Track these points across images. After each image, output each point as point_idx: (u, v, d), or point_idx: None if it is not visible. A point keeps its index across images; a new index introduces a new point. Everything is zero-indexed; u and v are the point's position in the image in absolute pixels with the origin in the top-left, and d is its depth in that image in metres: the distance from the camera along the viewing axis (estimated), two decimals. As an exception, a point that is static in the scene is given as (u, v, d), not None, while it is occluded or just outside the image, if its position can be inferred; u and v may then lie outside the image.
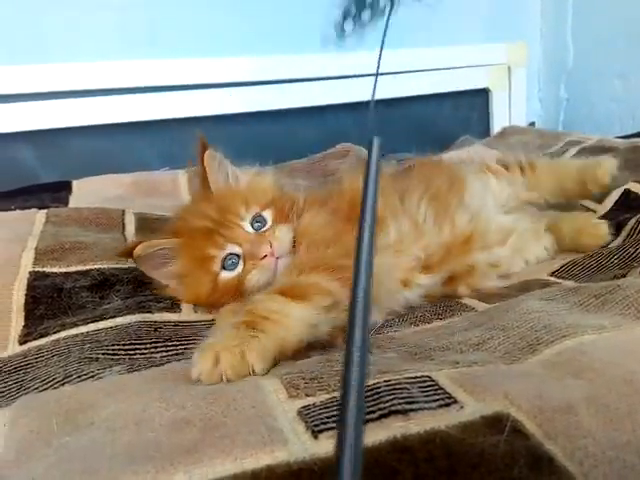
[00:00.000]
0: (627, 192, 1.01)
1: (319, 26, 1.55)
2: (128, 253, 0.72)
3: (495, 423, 0.41)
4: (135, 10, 1.37)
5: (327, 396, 0.46)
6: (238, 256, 0.71)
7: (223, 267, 0.71)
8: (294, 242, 0.73)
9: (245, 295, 0.69)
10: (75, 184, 1.11)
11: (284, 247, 0.71)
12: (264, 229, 0.74)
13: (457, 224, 0.83)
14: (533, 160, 1.04)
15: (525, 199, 0.99)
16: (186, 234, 0.73)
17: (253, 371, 0.51)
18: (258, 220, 0.74)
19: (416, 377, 0.48)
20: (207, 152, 0.77)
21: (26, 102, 1.27)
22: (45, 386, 0.53)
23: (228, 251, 0.71)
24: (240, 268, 0.71)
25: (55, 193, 1.05)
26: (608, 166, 1.00)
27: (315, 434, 0.40)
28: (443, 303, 0.79)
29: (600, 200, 1.03)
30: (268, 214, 0.76)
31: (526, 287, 0.81)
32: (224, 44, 1.45)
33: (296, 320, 0.56)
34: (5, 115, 1.26)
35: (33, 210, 0.92)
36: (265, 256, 0.69)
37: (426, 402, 0.43)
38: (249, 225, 0.74)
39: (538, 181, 1.00)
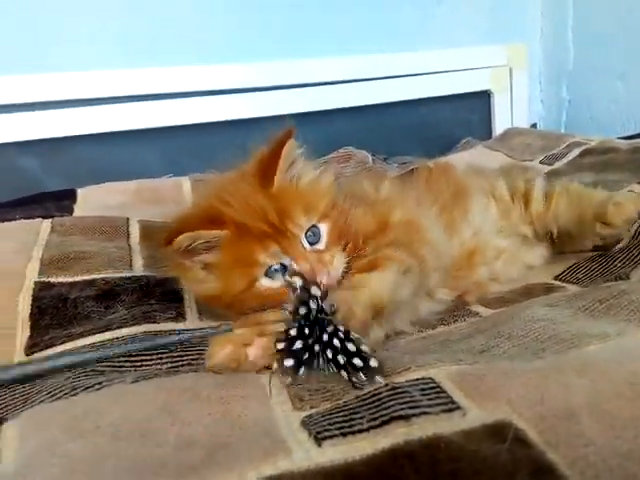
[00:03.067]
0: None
1: (322, 31, 1.57)
2: (169, 240, 0.64)
3: (497, 431, 0.41)
4: (135, 18, 1.38)
5: (330, 405, 0.47)
6: (286, 267, 0.66)
7: (265, 274, 0.66)
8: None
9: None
10: (79, 192, 1.11)
11: (337, 277, 0.65)
12: (319, 246, 0.68)
13: (463, 239, 0.84)
14: (551, 190, 0.94)
15: (523, 233, 0.94)
16: (235, 228, 0.65)
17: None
18: (313, 232, 0.68)
19: (418, 379, 0.48)
20: (290, 141, 0.70)
21: (29, 112, 1.28)
22: (52, 399, 0.53)
23: (280, 262, 0.66)
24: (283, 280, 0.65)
25: (59, 202, 1.06)
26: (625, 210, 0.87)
27: (319, 442, 0.41)
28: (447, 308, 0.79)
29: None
30: (324, 227, 0.69)
31: (530, 291, 0.82)
32: (224, 51, 1.46)
33: (378, 282, 0.60)
34: (8, 125, 1.26)
35: (38, 220, 0.93)
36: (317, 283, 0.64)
37: (429, 406, 0.44)
38: (304, 237, 0.67)
39: (554, 214, 0.91)
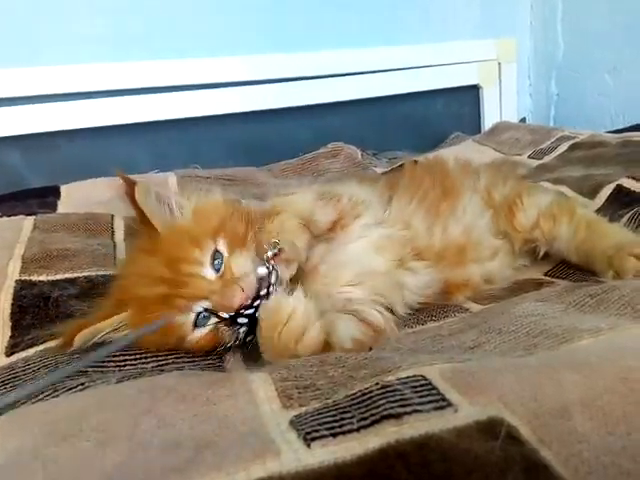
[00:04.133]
0: (619, 188, 1.00)
1: (311, 25, 1.56)
2: (68, 343, 0.58)
3: (489, 428, 0.40)
4: (124, 11, 1.36)
5: (319, 404, 0.46)
6: (206, 309, 0.61)
7: (195, 325, 0.61)
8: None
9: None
10: (63, 189, 1.09)
11: (252, 281, 0.60)
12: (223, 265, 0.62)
13: (449, 232, 0.82)
14: (549, 209, 0.85)
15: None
16: (136, 305, 0.60)
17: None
18: (217, 257, 0.62)
19: (408, 377, 0.47)
20: (137, 187, 0.63)
21: (12, 106, 1.26)
22: (33, 400, 0.52)
23: (197, 311, 0.60)
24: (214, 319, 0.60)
25: (43, 198, 1.04)
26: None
27: (308, 443, 0.40)
28: (437, 304, 0.78)
29: (592, 196, 1.03)
30: (222, 245, 0.63)
31: (520, 287, 0.81)
32: (213, 44, 1.44)
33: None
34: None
35: (20, 217, 0.91)
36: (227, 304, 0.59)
37: (420, 404, 0.43)
38: (210, 269, 0.61)
39: (549, 235, 0.84)
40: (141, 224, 0.65)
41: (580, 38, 1.75)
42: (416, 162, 1.02)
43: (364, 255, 0.72)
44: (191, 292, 0.59)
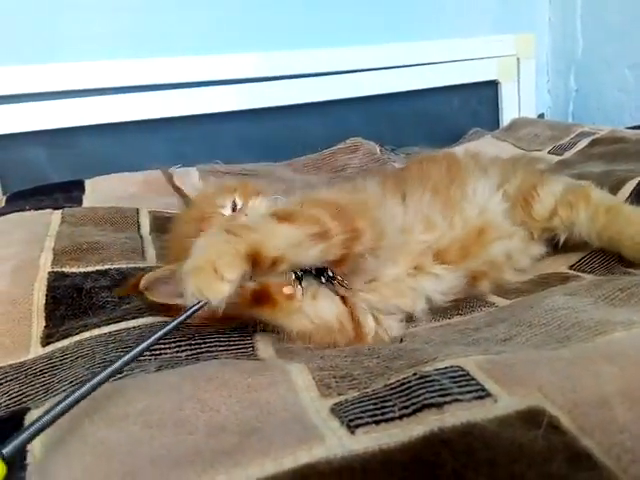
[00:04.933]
0: (642, 183, 1.00)
1: (329, 21, 1.56)
2: (134, 288, 0.64)
3: (530, 418, 0.41)
4: (144, 8, 1.37)
5: (358, 394, 0.46)
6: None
7: None
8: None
9: None
10: (88, 183, 1.10)
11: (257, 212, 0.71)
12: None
13: (466, 217, 0.82)
14: (565, 196, 0.86)
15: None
16: (178, 245, 0.71)
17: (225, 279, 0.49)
18: (234, 209, 0.74)
19: (446, 368, 0.48)
20: (174, 178, 0.85)
21: (36, 102, 1.27)
22: (73, 388, 0.53)
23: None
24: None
25: (68, 193, 1.04)
26: None
27: (352, 429, 0.40)
28: (463, 298, 0.78)
29: (614, 191, 1.02)
30: (237, 198, 0.74)
31: (546, 281, 0.81)
32: (232, 40, 1.45)
33: (277, 233, 0.56)
34: (15, 115, 1.26)
35: (48, 210, 0.92)
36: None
37: (460, 393, 0.43)
38: (230, 210, 0.74)
39: (569, 222, 0.85)
40: (184, 205, 0.81)
41: (599, 34, 1.73)
42: (422, 158, 1.02)
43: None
44: (210, 225, 0.69)
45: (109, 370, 0.44)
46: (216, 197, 0.75)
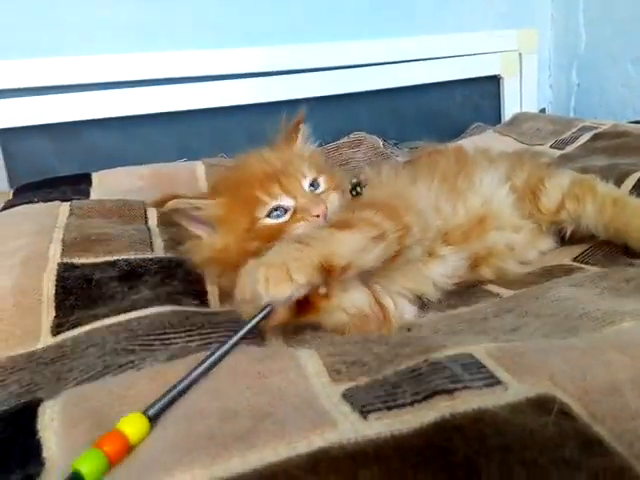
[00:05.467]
0: (644, 177, 1.00)
1: (331, 15, 1.56)
2: (162, 204, 0.71)
3: (541, 404, 0.41)
4: (149, 2, 1.37)
5: (368, 379, 0.47)
6: (286, 210, 0.70)
7: (267, 216, 0.70)
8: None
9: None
10: (95, 176, 1.10)
11: (334, 212, 0.71)
12: (318, 191, 0.74)
13: (469, 206, 0.83)
14: (571, 189, 0.88)
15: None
16: (230, 191, 0.73)
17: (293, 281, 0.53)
18: (314, 185, 0.74)
19: (456, 355, 0.48)
20: (302, 125, 0.85)
21: (44, 95, 1.27)
22: (85, 376, 0.53)
23: (280, 203, 0.70)
24: (286, 218, 0.70)
25: (76, 185, 1.04)
26: None
27: (364, 414, 0.41)
28: (466, 289, 0.79)
29: (618, 184, 1.02)
30: (323, 181, 0.75)
31: (550, 273, 0.81)
32: (238, 35, 1.45)
33: (342, 241, 0.59)
34: (23, 108, 1.26)
35: (56, 202, 0.92)
36: (317, 216, 0.69)
37: (471, 380, 0.44)
38: (307, 184, 0.74)
39: (575, 214, 0.87)
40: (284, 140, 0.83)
41: (602, 28, 1.73)
42: (433, 149, 1.03)
43: None
44: (287, 185, 0.71)
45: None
46: (301, 163, 0.75)
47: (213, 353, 0.50)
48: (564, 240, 0.90)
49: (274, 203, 0.70)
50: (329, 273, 0.56)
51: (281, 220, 0.70)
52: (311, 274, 0.54)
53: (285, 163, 0.74)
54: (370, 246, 0.60)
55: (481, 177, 0.88)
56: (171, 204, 0.70)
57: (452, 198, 0.83)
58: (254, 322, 0.54)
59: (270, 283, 0.52)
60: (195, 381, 0.47)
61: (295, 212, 0.70)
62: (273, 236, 0.68)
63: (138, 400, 0.46)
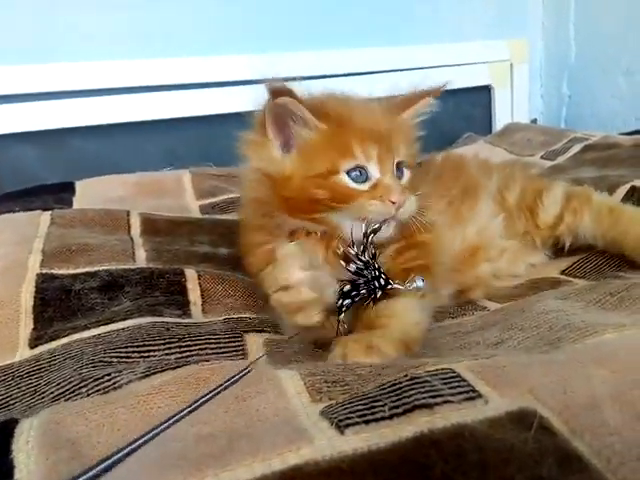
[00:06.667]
0: (633, 188, 1.00)
1: (321, 23, 1.56)
2: (277, 93, 0.66)
3: (520, 419, 0.40)
4: (139, 8, 1.37)
5: (348, 396, 0.46)
6: (367, 178, 0.65)
7: (347, 172, 0.65)
8: None
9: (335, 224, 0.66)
10: (78, 185, 1.09)
11: (407, 213, 0.66)
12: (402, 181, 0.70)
13: (466, 234, 0.82)
14: (568, 202, 0.88)
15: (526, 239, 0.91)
16: (341, 122, 0.67)
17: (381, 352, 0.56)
18: (400, 170, 0.69)
19: (437, 370, 0.47)
20: (429, 99, 0.77)
21: (29, 102, 1.27)
22: (61, 390, 0.52)
23: (369, 166, 0.65)
24: (364, 187, 0.65)
25: (58, 194, 1.04)
26: None
27: (341, 429, 0.40)
28: (454, 301, 0.79)
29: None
30: (407, 173, 0.70)
31: (537, 286, 0.81)
32: (225, 42, 1.45)
33: (405, 314, 0.62)
34: (8, 116, 1.25)
35: (37, 212, 0.91)
36: (393, 203, 0.64)
37: (451, 395, 0.43)
38: (392, 168, 0.67)
39: (573, 227, 0.87)
40: (405, 100, 0.77)
41: (593, 39, 1.75)
42: (439, 161, 1.01)
43: None
44: (383, 156, 0.66)
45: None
46: (403, 138, 0.70)
47: (181, 411, 0.45)
48: (562, 251, 0.89)
49: (361, 163, 0.65)
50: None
51: (357, 186, 0.65)
52: (398, 349, 0.58)
53: (391, 130, 0.68)
54: (425, 304, 0.66)
55: (482, 207, 0.87)
56: (282, 100, 0.65)
57: (454, 225, 0.81)
58: (224, 386, 0.49)
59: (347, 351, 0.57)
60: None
61: (375, 187, 0.65)
62: (341, 199, 0.64)
63: (116, 432, 0.44)
